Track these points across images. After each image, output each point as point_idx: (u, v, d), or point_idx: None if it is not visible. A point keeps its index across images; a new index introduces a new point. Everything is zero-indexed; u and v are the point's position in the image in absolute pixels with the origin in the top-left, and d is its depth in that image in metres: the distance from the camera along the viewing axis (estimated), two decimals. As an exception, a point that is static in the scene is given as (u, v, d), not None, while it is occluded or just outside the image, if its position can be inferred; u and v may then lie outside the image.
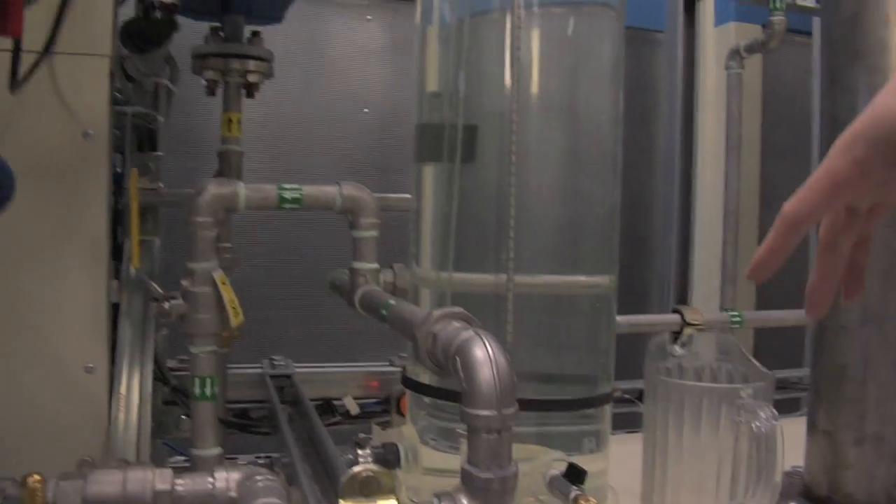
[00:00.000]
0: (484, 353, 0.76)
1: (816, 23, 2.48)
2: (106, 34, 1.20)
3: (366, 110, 2.44)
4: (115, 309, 1.36)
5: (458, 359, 0.77)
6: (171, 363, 1.65)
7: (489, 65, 1.33)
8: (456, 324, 0.84)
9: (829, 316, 1.16)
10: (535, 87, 1.29)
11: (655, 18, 2.41)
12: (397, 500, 0.75)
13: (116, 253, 1.46)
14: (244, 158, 1.53)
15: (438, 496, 0.78)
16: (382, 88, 2.47)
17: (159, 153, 1.52)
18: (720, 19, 2.44)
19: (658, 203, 2.41)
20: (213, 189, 1.16)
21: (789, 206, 0.58)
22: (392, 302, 1.07)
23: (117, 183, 1.46)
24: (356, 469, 0.72)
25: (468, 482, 0.76)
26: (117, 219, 1.46)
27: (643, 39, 2.55)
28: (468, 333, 0.79)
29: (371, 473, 0.72)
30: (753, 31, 2.47)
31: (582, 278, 1.34)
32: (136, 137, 1.50)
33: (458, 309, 0.87)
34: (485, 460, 0.75)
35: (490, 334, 0.80)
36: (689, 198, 2.02)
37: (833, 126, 1.22)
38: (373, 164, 2.42)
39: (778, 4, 1.94)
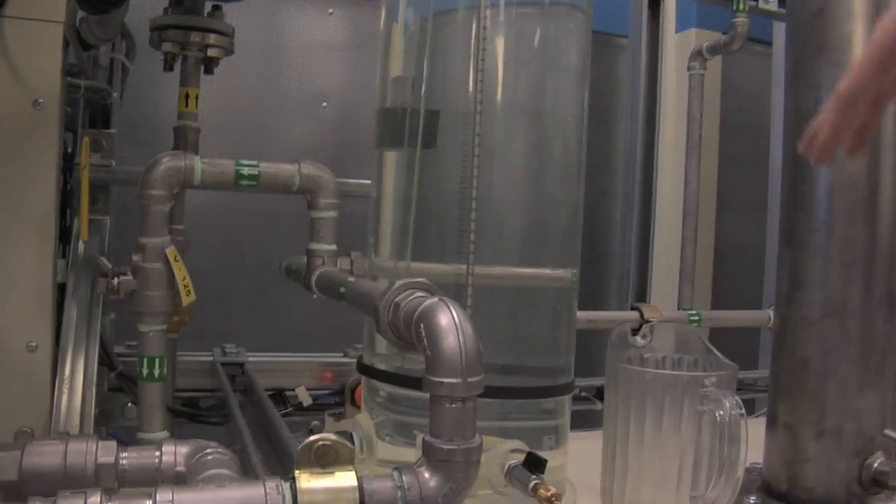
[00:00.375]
0: (449, 320, 0.73)
1: (777, 29, 2.51)
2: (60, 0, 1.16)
3: (325, 105, 2.41)
4: (61, 291, 1.32)
5: (421, 326, 0.75)
6: (118, 349, 1.59)
7: (455, 62, 1.31)
8: (419, 293, 0.81)
9: (790, 308, 1.16)
10: (499, 86, 1.28)
11: (618, 23, 2.42)
12: (356, 471, 0.71)
13: (65, 234, 1.41)
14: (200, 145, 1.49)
15: (399, 469, 0.75)
16: (342, 83, 2.44)
17: (112, 130, 1.48)
18: (681, 25, 2.46)
19: (618, 203, 2.41)
20: (168, 161, 1.12)
21: (843, 84, 0.64)
22: (351, 279, 1.04)
23: (68, 162, 1.42)
24: (312, 437, 0.69)
25: (430, 454, 0.73)
26: (66, 199, 1.41)
27: (605, 43, 2.56)
28: (433, 300, 0.76)
29: (328, 442, 0.69)
30: (714, 38, 2.48)
31: (544, 271, 1.33)
32: (88, 114, 1.45)
33: (421, 279, 0.85)
34: (448, 431, 0.73)
35: (455, 302, 0.77)
36: (649, 198, 2.02)
37: (797, 120, 1.22)
38: (330, 159, 2.37)
39: (741, 6, 1.95)
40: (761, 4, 2.01)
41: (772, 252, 2.54)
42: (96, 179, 1.42)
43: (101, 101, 1.45)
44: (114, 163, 1.47)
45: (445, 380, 0.72)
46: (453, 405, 0.72)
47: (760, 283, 2.58)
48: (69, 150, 1.49)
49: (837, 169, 1.15)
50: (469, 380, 0.72)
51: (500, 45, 1.30)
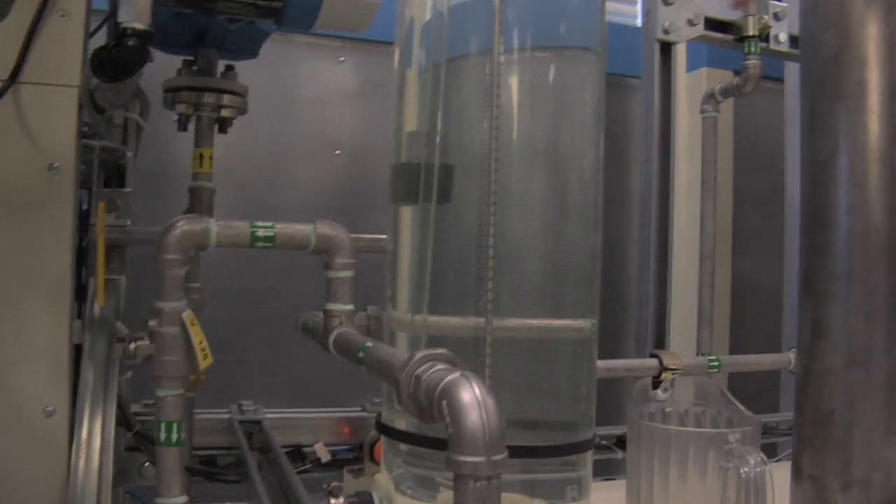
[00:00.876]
0: (471, 396, 0.72)
1: (788, 68, 2.50)
2: (75, 64, 1.17)
3: (337, 152, 2.40)
4: (77, 350, 1.31)
5: (443, 402, 0.73)
6: (135, 408, 1.58)
7: (469, 107, 1.31)
8: (440, 366, 0.80)
9: (813, 359, 1.14)
10: (515, 131, 1.28)
11: (629, 64, 2.41)
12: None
13: (80, 293, 1.41)
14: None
15: (422, 548, 0.73)
16: (354, 130, 2.43)
17: (127, 189, 1.48)
18: (692, 65, 2.46)
19: (634, 246, 2.39)
20: (183, 225, 1.12)
21: None
22: (369, 344, 1.03)
23: (83, 220, 1.42)
24: (336, 518, 0.68)
25: (455, 533, 0.72)
26: (82, 258, 1.41)
27: (617, 84, 2.56)
28: (454, 375, 0.75)
29: (352, 523, 0.68)
30: (725, 77, 2.48)
31: (564, 322, 1.32)
32: (103, 173, 1.45)
33: (441, 350, 0.83)
34: (473, 510, 0.71)
35: (477, 376, 0.76)
36: (665, 240, 2.00)
37: (815, 168, 1.21)
38: (344, 207, 2.38)
39: (753, 48, 1.94)
40: (773, 45, 2.00)
41: (789, 289, 2.52)
42: (112, 240, 1.42)
43: (116, 161, 1.45)
44: (129, 222, 1.47)
45: (469, 458, 0.71)
46: (478, 484, 0.71)
47: (779, 320, 2.55)
48: (84, 208, 1.49)
49: (857, 216, 1.14)
50: (493, 458, 0.70)
51: (514, 89, 1.30)
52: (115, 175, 1.46)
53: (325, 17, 1.18)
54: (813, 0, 1.25)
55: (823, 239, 1.15)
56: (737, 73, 2.29)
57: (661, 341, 1.87)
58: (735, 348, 2.54)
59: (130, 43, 1.02)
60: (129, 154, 1.47)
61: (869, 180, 1.13)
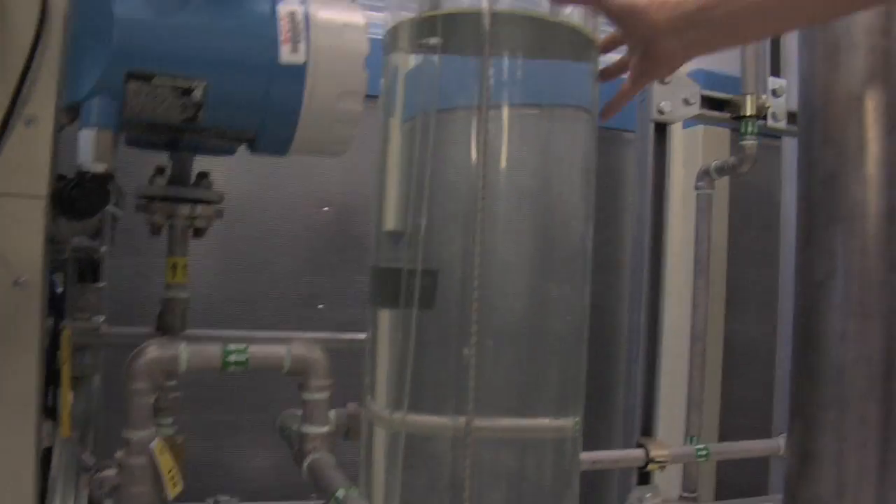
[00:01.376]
0: None
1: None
2: (42, 174, 1.11)
3: (325, 209, 2.34)
4: (48, 453, 1.27)
5: None
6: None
7: (455, 162, 1.27)
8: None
9: (800, 485, 1.11)
10: (502, 193, 1.24)
11: (623, 118, 2.36)
12: None
13: (54, 378, 1.36)
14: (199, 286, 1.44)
15: None
16: (342, 186, 2.37)
17: (101, 285, 1.43)
18: (688, 121, 2.41)
19: (624, 323, 2.31)
20: (153, 352, 1.08)
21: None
22: (340, 497, 0.99)
23: (57, 304, 1.38)
24: None
25: None
26: (54, 341, 1.37)
27: (611, 139, 2.51)
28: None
29: None
30: (721, 134, 2.45)
31: (543, 422, 1.29)
32: (77, 268, 1.40)
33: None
34: None
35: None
36: (656, 331, 1.93)
37: (809, 288, 1.17)
38: (333, 263, 2.33)
39: (750, 129, 1.90)
40: (770, 123, 1.96)
41: (783, 353, 2.47)
42: (82, 342, 1.36)
43: (90, 257, 1.40)
44: (102, 318, 1.42)
45: None
46: None
47: (769, 412, 2.47)
48: (58, 291, 1.45)
49: (851, 344, 1.11)
50: None
51: (503, 147, 1.26)
52: (89, 269, 1.40)
53: (298, 146, 1.14)
54: (811, 115, 1.22)
55: (815, 364, 1.12)
56: (734, 130, 2.25)
57: (648, 427, 1.83)
58: (726, 411, 2.48)
59: (90, 186, 0.98)
60: (103, 249, 1.42)
61: (865, 307, 1.10)
